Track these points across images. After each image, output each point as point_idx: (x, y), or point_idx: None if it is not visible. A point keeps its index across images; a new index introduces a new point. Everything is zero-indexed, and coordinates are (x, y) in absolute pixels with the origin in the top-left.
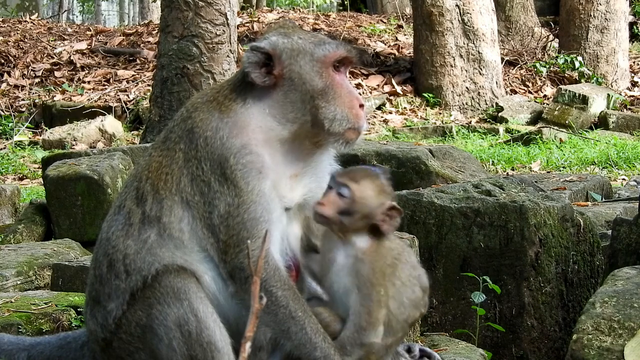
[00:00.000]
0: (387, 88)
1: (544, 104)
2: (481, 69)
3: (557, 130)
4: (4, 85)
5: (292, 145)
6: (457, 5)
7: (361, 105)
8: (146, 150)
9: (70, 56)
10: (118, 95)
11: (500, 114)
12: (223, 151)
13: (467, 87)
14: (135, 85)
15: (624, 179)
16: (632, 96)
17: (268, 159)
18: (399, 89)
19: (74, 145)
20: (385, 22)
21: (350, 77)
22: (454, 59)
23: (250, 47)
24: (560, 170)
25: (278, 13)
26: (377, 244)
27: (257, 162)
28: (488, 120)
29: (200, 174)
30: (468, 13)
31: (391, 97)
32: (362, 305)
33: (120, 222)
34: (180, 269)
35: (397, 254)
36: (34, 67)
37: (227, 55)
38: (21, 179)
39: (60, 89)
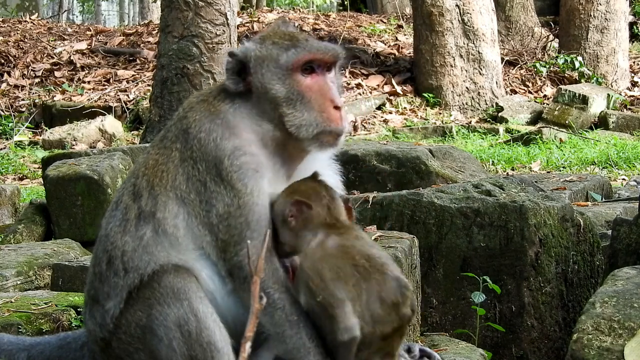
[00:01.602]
0: (387, 88)
1: (544, 104)
2: (481, 69)
3: (557, 130)
4: (4, 85)
5: (285, 146)
6: (457, 5)
7: (336, 107)
8: (145, 150)
9: (70, 56)
10: (118, 95)
11: (500, 114)
12: (217, 153)
13: (467, 87)
14: (135, 85)
15: (624, 179)
16: (632, 96)
17: (263, 158)
18: (399, 89)
19: (74, 145)
20: (385, 22)
21: (350, 77)
22: (454, 59)
23: (228, 53)
24: (560, 170)
25: (278, 13)
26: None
27: (252, 162)
28: (488, 120)
29: (195, 173)
30: (468, 13)
31: (391, 97)
32: (315, 307)
33: (117, 217)
34: (178, 268)
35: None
36: (34, 67)
37: None
38: (21, 179)
39: (60, 89)
